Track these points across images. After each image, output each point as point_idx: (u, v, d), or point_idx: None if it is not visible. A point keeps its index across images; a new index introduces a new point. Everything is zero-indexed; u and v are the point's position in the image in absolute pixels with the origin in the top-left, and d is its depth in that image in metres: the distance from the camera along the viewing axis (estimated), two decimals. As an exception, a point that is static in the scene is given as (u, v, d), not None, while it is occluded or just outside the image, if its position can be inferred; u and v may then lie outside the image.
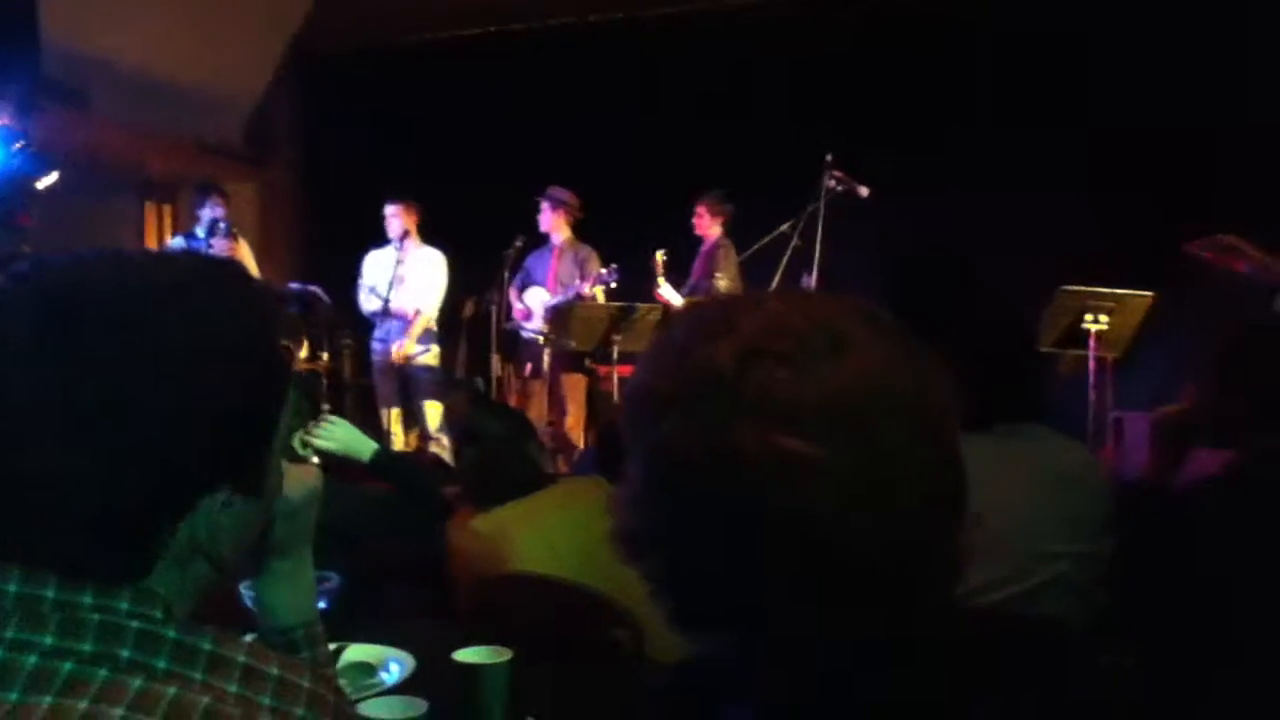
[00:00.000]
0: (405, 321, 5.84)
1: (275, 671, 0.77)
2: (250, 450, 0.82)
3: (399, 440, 5.92)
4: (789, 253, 5.32)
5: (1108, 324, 4.39)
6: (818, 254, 5.21)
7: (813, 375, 0.70)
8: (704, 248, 5.90)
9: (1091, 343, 4.41)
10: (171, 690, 0.72)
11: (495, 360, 6.15)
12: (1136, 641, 1.88)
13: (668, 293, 5.77)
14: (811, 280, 5.20)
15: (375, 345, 5.97)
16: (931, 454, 0.72)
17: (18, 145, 6.00)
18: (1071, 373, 4.56)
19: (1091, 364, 4.43)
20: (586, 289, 5.76)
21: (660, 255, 5.77)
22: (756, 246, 5.59)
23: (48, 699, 0.70)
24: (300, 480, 1.04)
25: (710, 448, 0.70)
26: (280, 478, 0.91)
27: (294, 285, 6.10)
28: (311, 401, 2.53)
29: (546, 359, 5.95)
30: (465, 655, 1.65)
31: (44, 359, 0.73)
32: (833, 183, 5.31)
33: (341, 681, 1.72)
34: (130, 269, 0.79)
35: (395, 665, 1.77)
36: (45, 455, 0.73)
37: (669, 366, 0.75)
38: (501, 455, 2.42)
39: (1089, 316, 4.39)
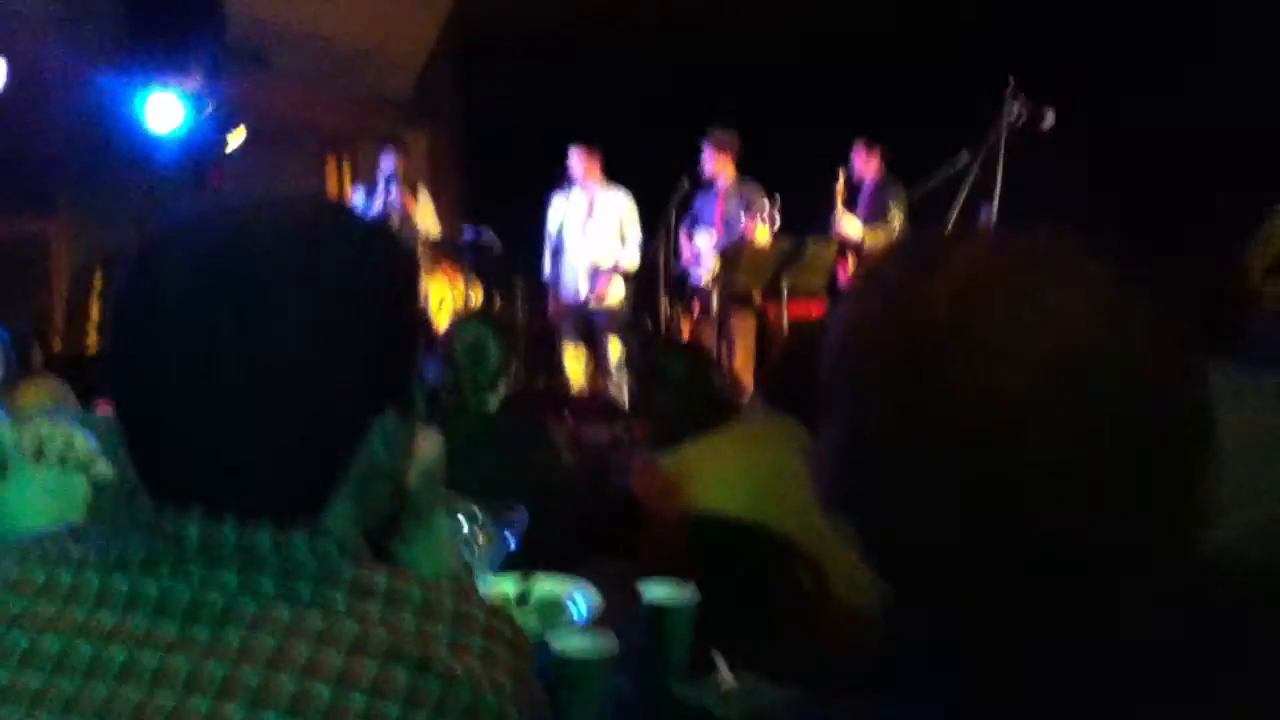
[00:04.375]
0: (596, 265, 5.94)
1: (450, 604, 0.77)
2: (407, 369, 0.85)
3: (576, 379, 6.02)
4: (967, 185, 5.08)
5: (1327, 248, 4.01)
6: (999, 186, 4.95)
7: (1038, 313, 0.63)
8: (868, 187, 5.74)
9: (1309, 270, 4.04)
10: (352, 626, 0.73)
11: (664, 302, 6.15)
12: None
13: (849, 225, 5.59)
14: (991, 214, 4.97)
15: (561, 285, 6.05)
16: (1172, 395, 0.65)
17: (208, 109, 6.32)
18: (1283, 306, 4.19)
19: (1309, 293, 4.06)
20: (753, 227, 5.67)
21: (841, 180, 5.59)
22: (934, 180, 5.37)
23: (235, 636, 0.72)
24: (429, 441, 1.05)
25: (928, 398, 0.64)
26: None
27: (466, 231, 6.23)
28: (512, 337, 2.61)
29: (715, 300, 5.91)
30: (653, 593, 1.65)
31: (205, 304, 0.74)
32: (1015, 111, 5.02)
33: (531, 615, 1.75)
34: (284, 213, 0.81)
35: (584, 601, 1.79)
36: (221, 398, 0.74)
37: (877, 310, 0.70)
38: (688, 397, 2.41)
39: (1306, 240, 4.02)
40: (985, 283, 0.65)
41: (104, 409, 2.36)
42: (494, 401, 2.54)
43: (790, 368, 2.82)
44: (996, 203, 4.93)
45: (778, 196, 5.59)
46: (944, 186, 5.27)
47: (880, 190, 5.68)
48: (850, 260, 5.75)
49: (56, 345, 5.92)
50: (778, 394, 2.75)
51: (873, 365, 0.68)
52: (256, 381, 0.74)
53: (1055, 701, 0.65)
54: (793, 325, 5.47)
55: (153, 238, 0.79)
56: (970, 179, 5.06)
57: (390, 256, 0.85)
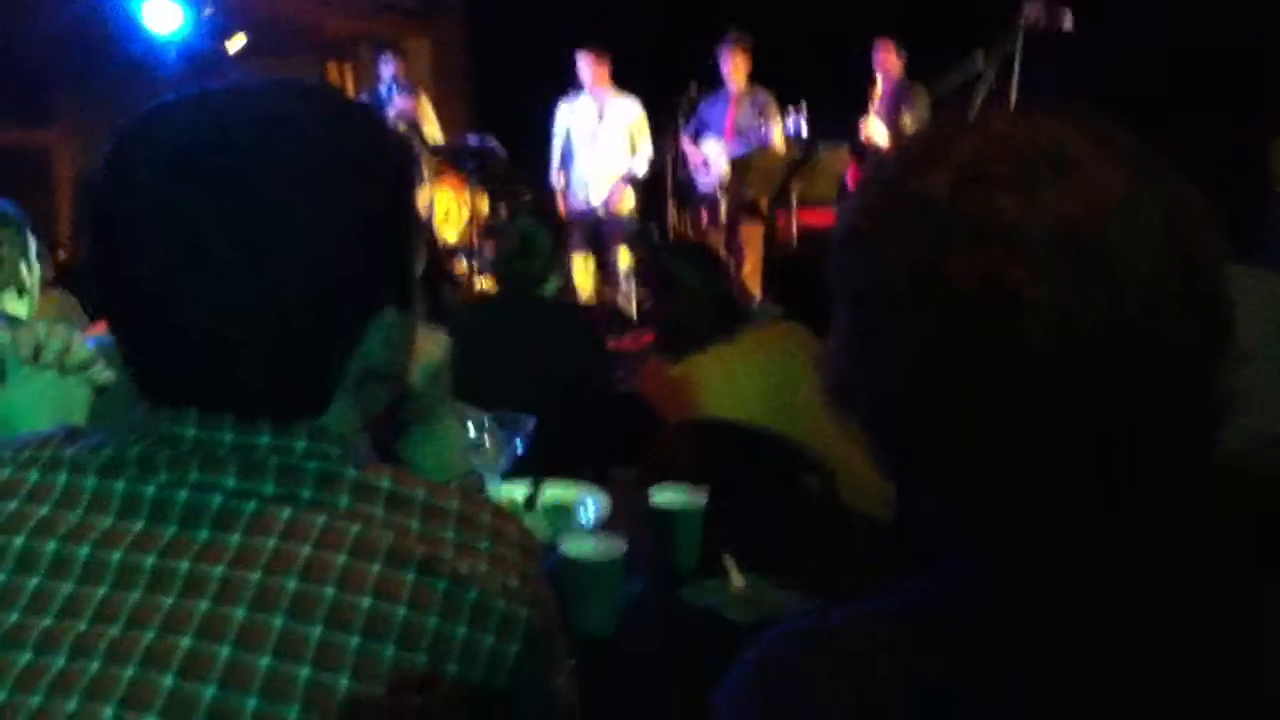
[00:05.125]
0: (608, 174, 5.84)
1: (456, 507, 0.76)
2: (403, 265, 0.81)
3: (584, 289, 5.98)
4: (982, 90, 4.96)
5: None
6: (1014, 92, 4.84)
7: (1039, 200, 0.61)
8: (888, 87, 5.60)
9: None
10: (355, 528, 0.71)
11: (671, 209, 6.08)
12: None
13: (876, 130, 5.47)
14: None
15: (570, 194, 5.98)
16: (1181, 290, 0.62)
17: (207, 11, 6.20)
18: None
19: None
20: (774, 136, 5.56)
21: (880, 80, 5.41)
22: (947, 84, 5.24)
23: (235, 537, 0.71)
24: (435, 343, 1.02)
25: (924, 287, 0.63)
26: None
27: (470, 138, 6.14)
28: (561, 233, 2.79)
29: (723, 208, 5.84)
30: (661, 497, 1.64)
31: (182, 195, 0.71)
32: (1033, 14, 4.88)
33: (539, 520, 1.75)
34: (262, 100, 0.77)
35: (591, 505, 1.79)
36: (208, 296, 0.71)
37: (876, 201, 0.68)
38: (701, 303, 2.39)
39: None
40: (986, 171, 0.63)
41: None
42: (547, 292, 2.62)
43: (799, 271, 2.79)
44: (1012, 108, 4.82)
45: (802, 106, 5.48)
46: (958, 92, 5.16)
47: (901, 91, 5.55)
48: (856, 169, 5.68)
49: (61, 257, 5.89)
50: (787, 297, 2.73)
51: (876, 254, 0.66)
52: (241, 276, 0.71)
53: (1073, 595, 0.64)
54: (802, 231, 5.42)
55: (127, 128, 0.75)
56: (986, 84, 4.95)
57: (380, 142, 0.80)
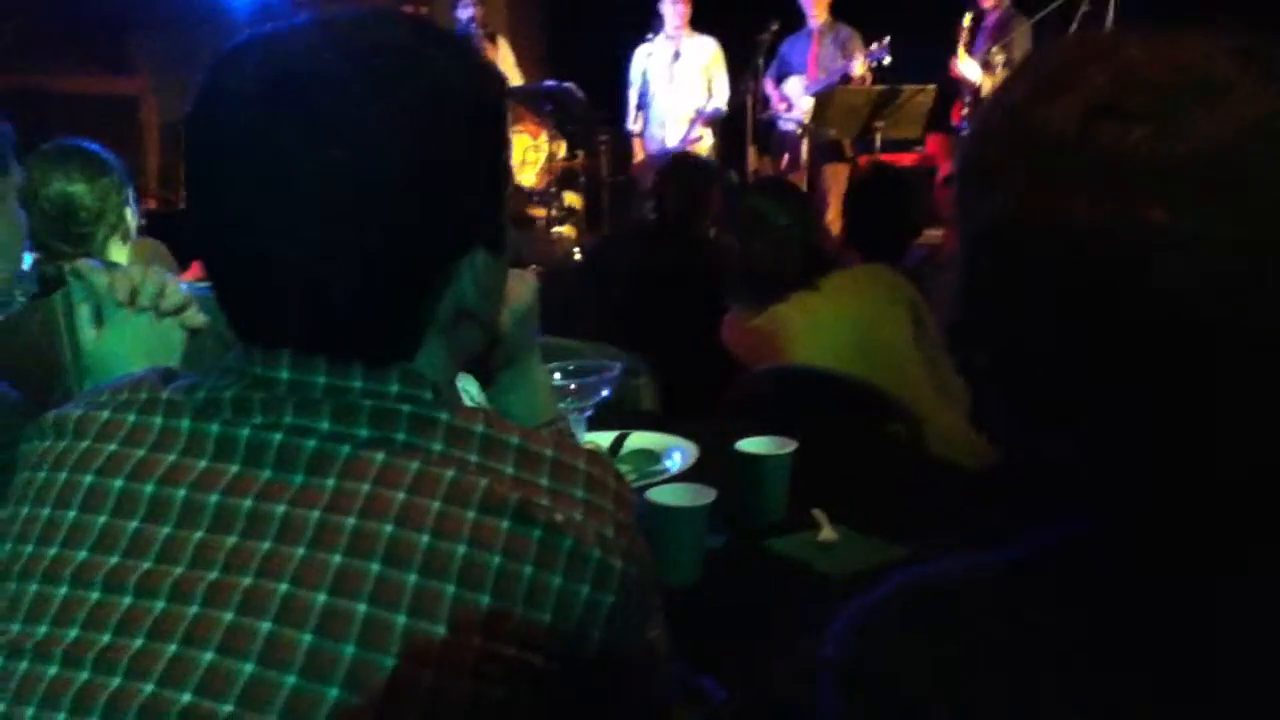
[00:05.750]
0: (685, 116, 5.77)
1: (550, 453, 0.74)
2: (495, 205, 0.79)
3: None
4: (1078, 19, 4.77)
5: None
6: (1110, 16, 4.64)
7: (1178, 132, 0.56)
8: (990, 21, 5.39)
9: None
10: (449, 473, 0.70)
11: (751, 152, 5.98)
12: None
13: (967, 68, 5.29)
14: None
15: (647, 137, 5.91)
16: None
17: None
18: None
19: None
20: (856, 67, 5.42)
21: (967, 19, 5.24)
22: (1042, 14, 5.04)
23: (330, 481, 0.70)
24: (524, 284, 1.00)
25: (1049, 224, 0.59)
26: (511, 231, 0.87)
27: (549, 83, 6.09)
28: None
29: (805, 150, 5.73)
30: (748, 446, 1.62)
31: (271, 130, 0.69)
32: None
33: (626, 468, 1.74)
34: (354, 29, 0.74)
35: (678, 453, 1.77)
36: (297, 229, 0.70)
37: (1000, 130, 0.63)
38: (788, 248, 2.29)
39: None
40: (1119, 103, 0.58)
41: (199, 269, 2.38)
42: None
43: (870, 201, 2.69)
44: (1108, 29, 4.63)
45: (886, 41, 5.32)
46: (1056, 19, 4.95)
47: (1003, 25, 5.33)
48: (959, 105, 5.49)
49: (151, 204, 6.02)
50: (857, 229, 2.64)
51: (995, 190, 0.63)
52: (330, 209, 0.70)
53: (1199, 551, 0.61)
54: (872, 164, 5.27)
55: (219, 61, 0.74)
56: (1082, 10, 4.75)
57: (476, 75, 0.78)
